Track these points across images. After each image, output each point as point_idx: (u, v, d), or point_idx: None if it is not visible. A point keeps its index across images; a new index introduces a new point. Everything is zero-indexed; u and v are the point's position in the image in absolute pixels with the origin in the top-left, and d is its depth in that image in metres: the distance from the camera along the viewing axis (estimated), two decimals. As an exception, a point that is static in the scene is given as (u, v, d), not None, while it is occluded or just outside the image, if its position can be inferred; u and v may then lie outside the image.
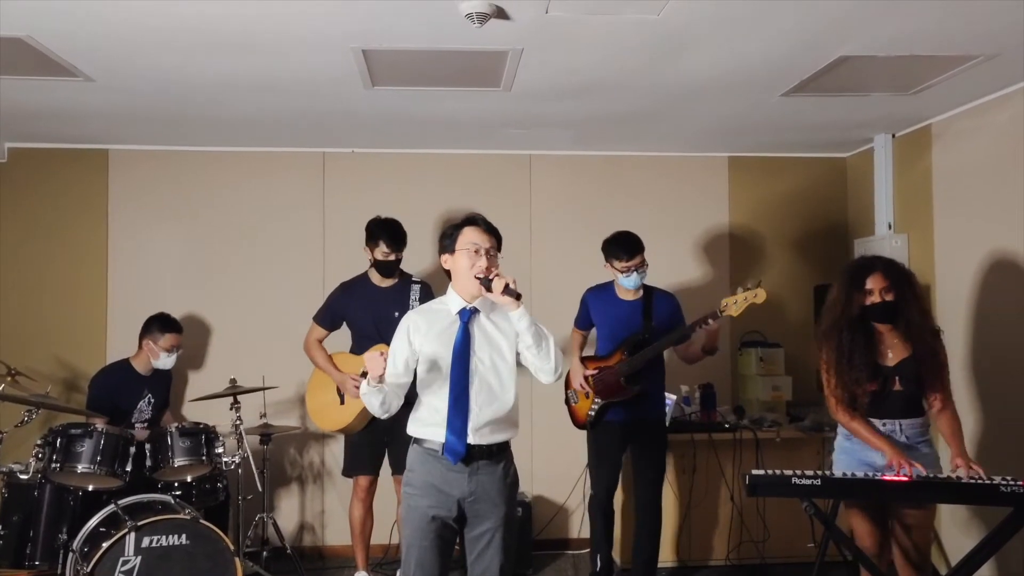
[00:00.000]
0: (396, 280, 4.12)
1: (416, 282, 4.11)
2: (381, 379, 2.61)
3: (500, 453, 2.75)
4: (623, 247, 3.86)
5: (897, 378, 3.11)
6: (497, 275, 2.64)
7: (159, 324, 4.29)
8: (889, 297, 3.07)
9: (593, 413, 3.94)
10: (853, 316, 3.12)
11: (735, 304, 3.67)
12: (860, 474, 2.98)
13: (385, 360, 2.58)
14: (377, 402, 2.68)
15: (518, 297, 2.62)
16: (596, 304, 4.05)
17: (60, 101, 3.90)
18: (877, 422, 3.13)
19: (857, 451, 3.15)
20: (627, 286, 3.91)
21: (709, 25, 2.98)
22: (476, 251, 2.69)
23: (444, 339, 2.71)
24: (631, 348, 3.87)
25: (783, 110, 4.13)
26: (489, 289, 2.63)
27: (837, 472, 3.12)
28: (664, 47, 3.21)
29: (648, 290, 3.98)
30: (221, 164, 4.97)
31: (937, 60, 3.39)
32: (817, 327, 3.27)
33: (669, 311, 3.97)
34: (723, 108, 4.12)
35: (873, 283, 3.09)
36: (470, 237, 2.72)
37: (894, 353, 3.13)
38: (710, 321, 3.69)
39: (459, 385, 2.67)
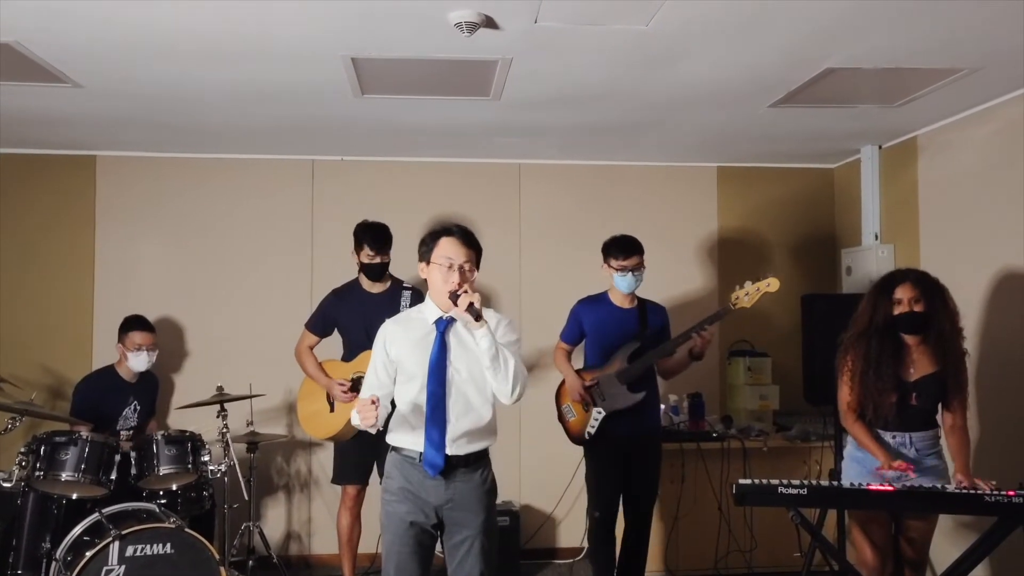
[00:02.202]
0: (387, 286, 4.11)
1: (407, 288, 4.11)
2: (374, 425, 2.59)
3: (478, 461, 2.74)
4: (620, 246, 3.85)
5: (915, 394, 3.11)
6: (466, 291, 2.59)
7: (127, 324, 4.27)
8: (919, 308, 3.07)
9: (595, 426, 3.81)
10: (880, 326, 3.11)
11: (747, 296, 3.63)
12: (850, 484, 2.99)
13: (377, 408, 2.54)
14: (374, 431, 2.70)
15: (478, 318, 2.57)
16: (589, 314, 3.96)
17: (48, 107, 3.88)
18: (887, 434, 3.15)
19: (868, 460, 3.14)
20: (621, 287, 3.86)
21: (698, 36, 3.00)
22: (450, 267, 2.67)
23: (421, 349, 2.70)
24: (630, 355, 3.81)
25: (771, 121, 4.15)
26: (455, 303, 2.60)
27: (845, 481, 3.13)
28: (653, 58, 3.22)
29: (642, 301, 3.96)
30: (209, 171, 4.95)
31: (922, 73, 3.42)
32: (843, 335, 3.25)
33: (661, 322, 3.95)
34: (712, 118, 4.15)
35: (903, 292, 3.09)
36: (445, 251, 2.69)
37: (916, 369, 3.13)
38: (706, 328, 3.67)
39: (436, 396, 2.66)
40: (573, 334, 4.02)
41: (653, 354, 3.79)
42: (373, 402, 2.54)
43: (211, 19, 2.81)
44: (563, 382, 3.99)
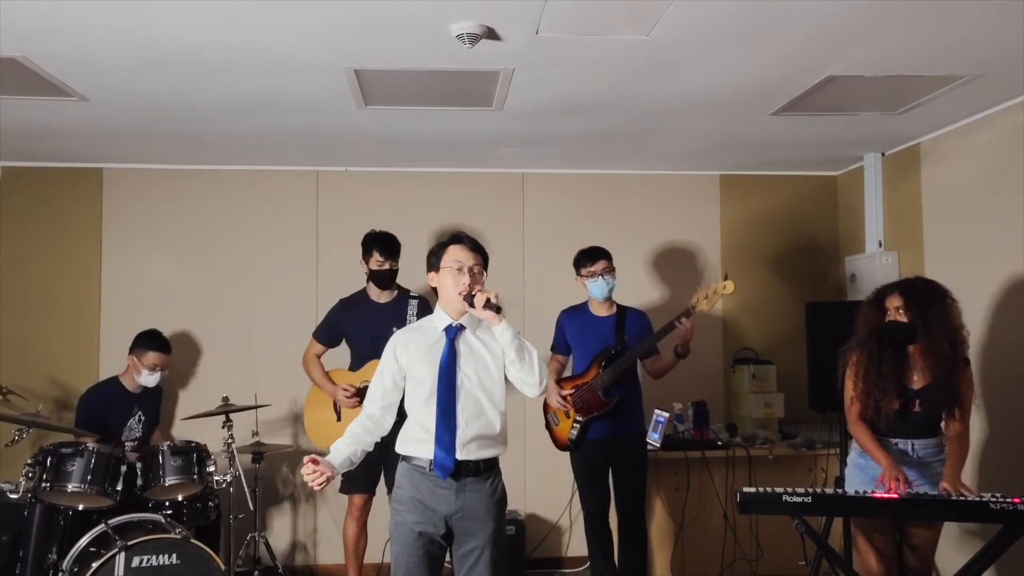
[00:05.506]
0: (394, 295, 4.13)
1: (414, 297, 4.13)
2: (329, 479, 2.61)
3: (488, 470, 2.75)
4: (587, 254, 3.99)
5: (918, 401, 3.12)
6: (480, 290, 2.66)
7: (145, 341, 4.28)
8: (904, 317, 3.09)
9: (576, 432, 3.95)
10: (874, 336, 3.14)
11: (705, 299, 3.77)
12: (851, 492, 2.98)
13: (322, 473, 2.57)
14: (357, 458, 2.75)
15: (498, 311, 2.63)
16: (570, 323, 4.11)
17: (54, 120, 3.92)
18: (890, 440, 3.15)
19: (871, 468, 3.14)
20: (595, 293, 3.97)
21: (698, 45, 3.01)
22: (459, 269, 2.71)
23: (431, 356, 2.72)
24: (605, 361, 3.92)
25: (773, 129, 4.16)
26: (472, 304, 2.65)
27: (849, 488, 3.12)
28: (654, 67, 3.24)
29: (621, 308, 4.06)
30: (215, 182, 4.98)
31: (924, 80, 3.43)
32: (845, 346, 3.27)
33: (640, 327, 4.04)
34: (714, 127, 4.16)
35: (890, 303, 3.14)
36: (454, 255, 2.74)
37: (919, 377, 3.14)
38: (683, 320, 3.77)
39: (446, 399, 2.68)
40: (560, 344, 4.17)
41: (624, 359, 3.89)
42: (315, 462, 2.58)
43: (216, 32, 2.84)
44: None
